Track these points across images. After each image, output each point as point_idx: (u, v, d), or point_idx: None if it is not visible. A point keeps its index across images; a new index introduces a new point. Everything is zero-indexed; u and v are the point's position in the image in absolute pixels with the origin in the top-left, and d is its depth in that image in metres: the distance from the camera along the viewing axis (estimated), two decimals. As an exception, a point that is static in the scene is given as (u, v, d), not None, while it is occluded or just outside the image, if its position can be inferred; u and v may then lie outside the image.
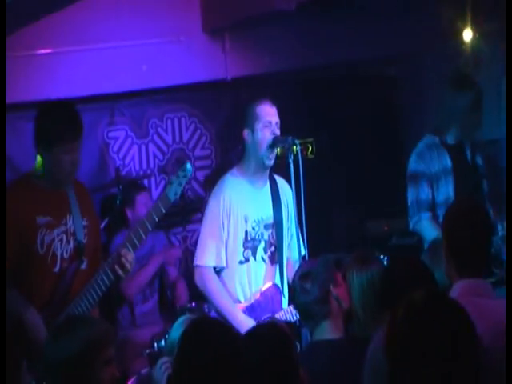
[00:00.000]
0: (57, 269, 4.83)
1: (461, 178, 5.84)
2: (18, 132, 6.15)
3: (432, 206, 5.84)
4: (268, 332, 3.63)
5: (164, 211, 4.93)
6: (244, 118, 5.61)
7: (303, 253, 5.57)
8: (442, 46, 7.25)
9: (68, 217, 4.88)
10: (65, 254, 4.85)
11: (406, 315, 2.82)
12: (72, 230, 4.88)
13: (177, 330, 4.41)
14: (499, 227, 5.66)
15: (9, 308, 4.64)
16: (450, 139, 5.87)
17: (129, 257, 4.84)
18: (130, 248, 4.87)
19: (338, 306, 4.41)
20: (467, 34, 6.84)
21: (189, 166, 5.04)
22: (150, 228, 4.91)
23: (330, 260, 4.58)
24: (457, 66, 6.80)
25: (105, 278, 4.85)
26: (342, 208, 7.94)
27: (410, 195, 5.89)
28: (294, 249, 5.67)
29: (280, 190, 5.72)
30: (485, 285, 3.80)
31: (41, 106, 4.94)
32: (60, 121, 4.71)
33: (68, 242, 4.86)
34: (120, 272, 4.84)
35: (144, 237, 4.89)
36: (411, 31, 7.05)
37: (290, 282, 5.41)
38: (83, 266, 4.92)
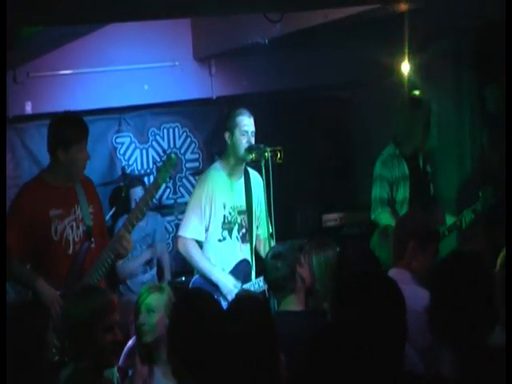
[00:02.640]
0: (70, 251, 4.86)
1: (415, 182, 5.99)
2: (42, 135, 6.08)
3: (391, 203, 5.88)
4: (250, 303, 3.50)
5: (155, 194, 4.92)
6: (226, 122, 5.67)
7: (271, 231, 5.57)
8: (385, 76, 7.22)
9: (76, 207, 4.91)
10: (76, 238, 4.88)
11: (349, 289, 2.86)
12: (80, 217, 4.89)
13: None
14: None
15: (23, 280, 4.79)
16: (407, 150, 5.97)
17: (127, 236, 4.83)
18: (130, 228, 4.85)
19: (301, 282, 4.40)
20: (405, 66, 6.79)
21: (173, 155, 5.01)
22: (144, 210, 4.89)
23: (296, 244, 4.59)
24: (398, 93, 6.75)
25: (109, 255, 4.85)
26: (303, 203, 7.94)
27: (374, 193, 5.96)
28: (263, 228, 5.69)
29: (252, 182, 5.74)
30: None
31: (53, 117, 5.01)
32: (73, 126, 4.82)
33: (78, 227, 4.88)
34: (120, 250, 4.83)
35: (140, 217, 4.86)
36: (362, 61, 7.03)
37: (262, 255, 5.40)
38: (93, 246, 4.93)
